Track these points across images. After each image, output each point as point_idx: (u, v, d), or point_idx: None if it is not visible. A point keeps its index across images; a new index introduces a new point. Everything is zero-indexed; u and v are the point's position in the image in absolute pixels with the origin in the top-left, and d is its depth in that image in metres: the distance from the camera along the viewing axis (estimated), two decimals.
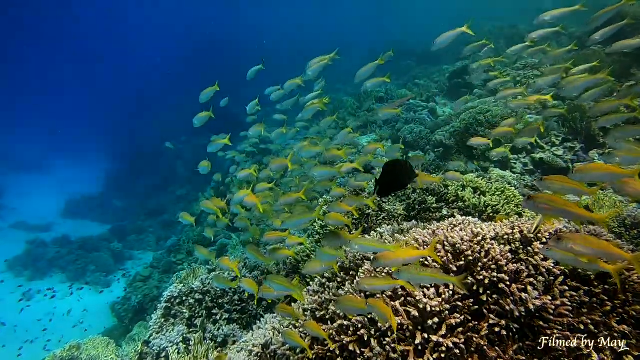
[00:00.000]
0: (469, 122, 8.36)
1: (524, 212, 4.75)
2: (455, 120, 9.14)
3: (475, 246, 2.35)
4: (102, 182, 20.66)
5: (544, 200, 1.95)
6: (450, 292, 2.17)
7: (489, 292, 2.18)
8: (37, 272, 11.75)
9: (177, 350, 3.55)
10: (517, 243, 2.40)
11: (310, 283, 3.26)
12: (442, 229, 2.67)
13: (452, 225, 2.73)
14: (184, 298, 4.49)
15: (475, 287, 2.21)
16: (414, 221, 3.41)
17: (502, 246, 2.33)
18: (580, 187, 2.09)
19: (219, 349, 3.88)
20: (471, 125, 8.25)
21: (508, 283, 2.13)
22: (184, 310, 4.41)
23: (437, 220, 4.56)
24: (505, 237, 2.50)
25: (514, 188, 5.19)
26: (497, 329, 2.04)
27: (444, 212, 4.67)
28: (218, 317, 4.32)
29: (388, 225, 3.70)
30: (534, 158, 7.04)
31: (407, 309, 2.21)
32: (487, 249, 2.31)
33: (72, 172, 22.39)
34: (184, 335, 3.99)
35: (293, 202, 4.18)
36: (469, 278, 2.25)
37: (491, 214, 4.59)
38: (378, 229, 3.37)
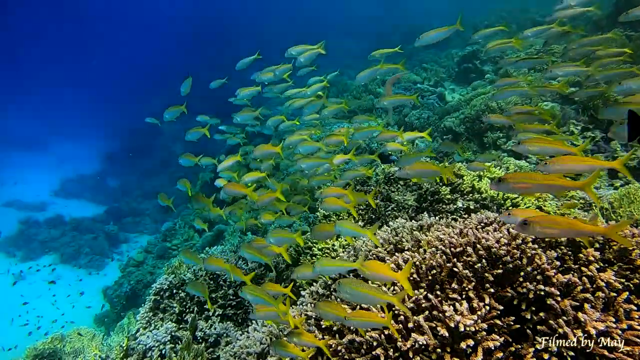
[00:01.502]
0: (481, 109, 7.94)
1: (545, 206, 4.37)
2: (466, 107, 8.71)
3: (515, 251, 1.95)
4: (99, 162, 20.20)
5: (519, 178, 1.89)
6: (487, 308, 1.78)
7: (533, 308, 1.79)
8: (30, 253, 11.42)
9: (161, 355, 3.19)
10: (564, 248, 2.01)
11: (313, 283, 2.89)
12: (471, 228, 2.27)
13: (482, 224, 2.33)
14: (175, 291, 4.12)
15: (516, 302, 1.83)
16: (432, 217, 3.02)
17: (548, 252, 1.93)
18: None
19: (210, 349, 3.52)
20: (483, 112, 7.83)
21: (558, 298, 1.74)
22: (174, 305, 4.05)
23: (451, 212, 4.19)
24: (548, 239, 2.10)
25: None
26: (545, 356, 1.66)
27: (459, 203, 4.29)
28: (210, 313, 3.96)
29: (403, 219, 3.30)
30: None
31: (434, 324, 1.83)
32: (530, 255, 1.91)
33: (69, 151, 21.87)
34: (173, 334, 3.63)
35: (269, 203, 3.82)
36: (509, 290, 1.86)
37: (510, 208, 4.21)
38: (391, 223, 2.98)
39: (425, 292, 1.98)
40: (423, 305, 1.95)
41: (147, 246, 9.85)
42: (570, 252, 1.97)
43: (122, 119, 22.69)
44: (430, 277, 2.06)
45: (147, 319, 4.03)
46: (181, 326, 3.96)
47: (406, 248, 2.42)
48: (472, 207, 4.27)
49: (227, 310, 4.05)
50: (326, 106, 4.77)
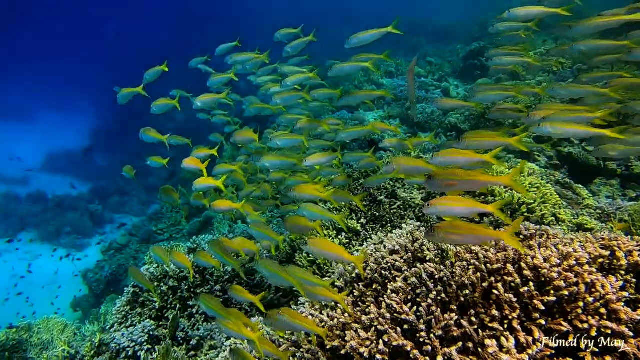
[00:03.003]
0: (488, 106, 7.63)
1: (560, 214, 4.06)
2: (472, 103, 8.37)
3: (569, 274, 1.61)
4: (87, 138, 19.52)
5: (447, 175, 1.90)
6: (542, 345, 1.43)
7: (596, 349, 1.45)
8: (8, 229, 10.90)
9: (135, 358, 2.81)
10: (624, 274, 1.67)
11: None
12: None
13: (522, 236, 1.97)
14: (156, 284, 3.74)
15: (574, 339, 1.48)
16: None
17: (609, 278, 1.59)
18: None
19: (192, 353, 3.16)
20: (489, 110, 7.50)
21: (632, 342, 1.40)
22: (154, 299, 3.67)
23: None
24: (600, 260, 1.76)
25: (549, 184, 4.48)
26: None
27: None
28: (194, 311, 3.59)
29: (410, 219, 2.94)
30: (561, 152, 6.28)
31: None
32: (589, 281, 1.57)
33: (56, 125, 21.14)
34: (151, 333, 3.26)
35: (227, 210, 3.48)
36: (563, 324, 1.51)
37: (526, 214, 3.89)
38: (405, 226, 2.61)
39: (457, 317, 1.63)
40: (454, 333, 1.59)
41: (131, 229, 9.41)
42: (634, 281, 1.63)
43: (115, 96, 21.97)
44: (462, 299, 1.70)
45: (123, 313, 3.65)
46: (161, 323, 3.59)
47: (428, 258, 2.06)
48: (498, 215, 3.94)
49: None
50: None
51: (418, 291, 1.80)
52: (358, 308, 2.05)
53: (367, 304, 2.03)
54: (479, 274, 1.75)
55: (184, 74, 5.49)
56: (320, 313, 2.13)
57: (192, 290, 3.71)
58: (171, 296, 3.66)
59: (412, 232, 2.44)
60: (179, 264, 2.98)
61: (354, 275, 2.26)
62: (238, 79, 4.63)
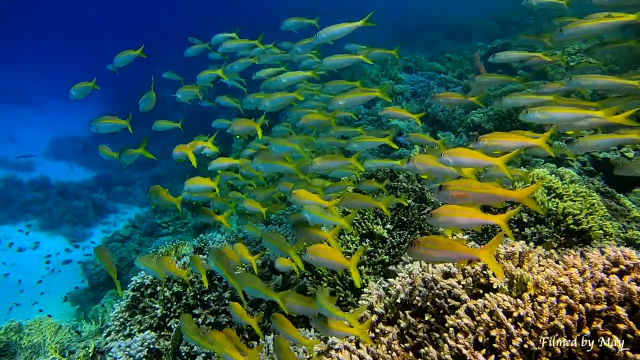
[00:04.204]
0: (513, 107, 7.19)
1: (606, 228, 3.65)
2: (495, 102, 7.92)
3: None
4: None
5: (460, 186, 1.75)
6: None
7: None
8: (9, 216, 10.60)
9: None
10: None
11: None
12: (611, 273, 1.51)
13: (617, 265, 1.56)
14: (158, 288, 3.37)
15: None
16: (520, 241, 2.25)
17: None
18: None
19: None
20: (515, 110, 7.10)
21: None
22: (156, 306, 3.30)
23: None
24: None
25: (595, 194, 4.05)
26: None
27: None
28: (200, 320, 3.21)
29: (465, 235, 2.54)
30: (595, 157, 5.80)
31: None
32: None
33: (64, 112, 20.85)
34: (151, 347, 2.89)
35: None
36: None
37: (572, 227, 3.49)
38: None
39: None
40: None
41: (134, 220, 9.06)
42: None
43: (122, 86, 21.66)
44: (557, 349, 1.30)
45: (121, 320, 3.29)
46: (163, 333, 3.23)
47: (496, 287, 1.66)
48: (525, 219, 3.53)
49: (222, 317, 3.29)
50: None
51: (493, 333, 1.40)
52: (406, 344, 1.66)
53: (417, 339, 1.64)
54: (575, 315, 1.35)
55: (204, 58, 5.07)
56: (358, 346, 1.74)
57: (198, 297, 3.33)
58: (175, 303, 3.29)
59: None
60: (172, 274, 2.64)
61: (398, 300, 1.86)
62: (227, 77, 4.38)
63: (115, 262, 7.51)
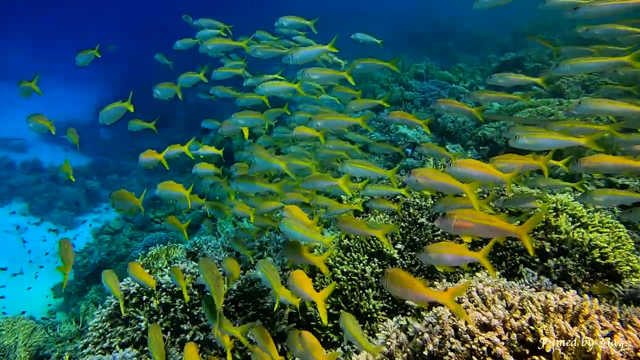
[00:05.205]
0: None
1: (633, 263, 3.38)
2: (505, 134, 7.72)
3: None
4: (93, 110, 18.81)
5: (463, 216, 1.67)
6: None
7: None
8: None
9: None
10: None
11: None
12: None
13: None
14: (144, 297, 3.06)
15: None
16: (570, 290, 1.96)
17: None
18: None
19: None
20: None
21: None
22: (141, 317, 2.99)
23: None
24: None
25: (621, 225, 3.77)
26: None
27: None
28: (188, 337, 2.91)
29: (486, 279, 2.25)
30: (614, 183, 5.51)
31: None
32: None
33: (63, 94, 20.44)
34: None
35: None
36: None
37: (598, 260, 3.22)
38: (477, 283, 1.92)
39: None
40: None
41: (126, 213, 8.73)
42: None
43: (125, 71, 21.29)
44: None
45: (101, 330, 2.98)
46: (146, 348, 2.92)
47: (550, 350, 1.37)
48: (547, 249, 3.25)
49: (212, 334, 2.99)
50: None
51: None
52: None
53: None
54: None
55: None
56: None
57: (188, 310, 3.03)
58: (162, 316, 2.98)
59: (504, 294, 1.74)
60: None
61: (425, 352, 1.57)
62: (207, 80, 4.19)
63: (103, 256, 7.23)
